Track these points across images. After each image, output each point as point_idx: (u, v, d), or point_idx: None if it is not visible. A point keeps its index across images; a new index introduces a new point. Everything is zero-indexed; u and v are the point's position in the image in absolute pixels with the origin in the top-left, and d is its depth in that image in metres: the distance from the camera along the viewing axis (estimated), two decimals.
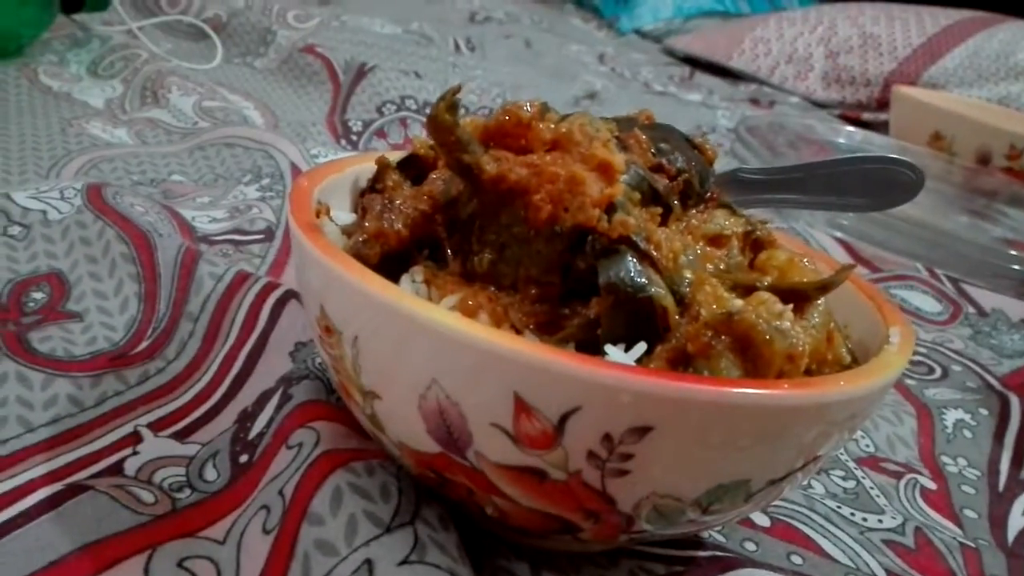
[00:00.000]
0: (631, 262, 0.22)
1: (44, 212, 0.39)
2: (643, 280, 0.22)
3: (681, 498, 0.21)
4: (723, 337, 0.21)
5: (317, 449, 0.26)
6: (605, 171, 0.23)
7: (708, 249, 0.25)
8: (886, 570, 0.30)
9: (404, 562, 0.22)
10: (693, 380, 0.19)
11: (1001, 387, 0.44)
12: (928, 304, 0.55)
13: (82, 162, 0.52)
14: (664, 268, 0.23)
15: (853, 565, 0.30)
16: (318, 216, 0.27)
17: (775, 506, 0.32)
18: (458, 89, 0.23)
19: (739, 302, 0.22)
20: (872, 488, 0.35)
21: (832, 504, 0.33)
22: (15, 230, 0.38)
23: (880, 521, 0.33)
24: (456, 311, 0.23)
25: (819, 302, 0.24)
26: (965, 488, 0.37)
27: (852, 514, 0.33)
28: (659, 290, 0.22)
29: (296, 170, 0.53)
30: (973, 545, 0.33)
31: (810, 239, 0.61)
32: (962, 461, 0.38)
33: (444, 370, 0.20)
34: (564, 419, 0.19)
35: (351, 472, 0.25)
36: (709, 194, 0.27)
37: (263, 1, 0.91)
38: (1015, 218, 0.80)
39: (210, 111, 0.65)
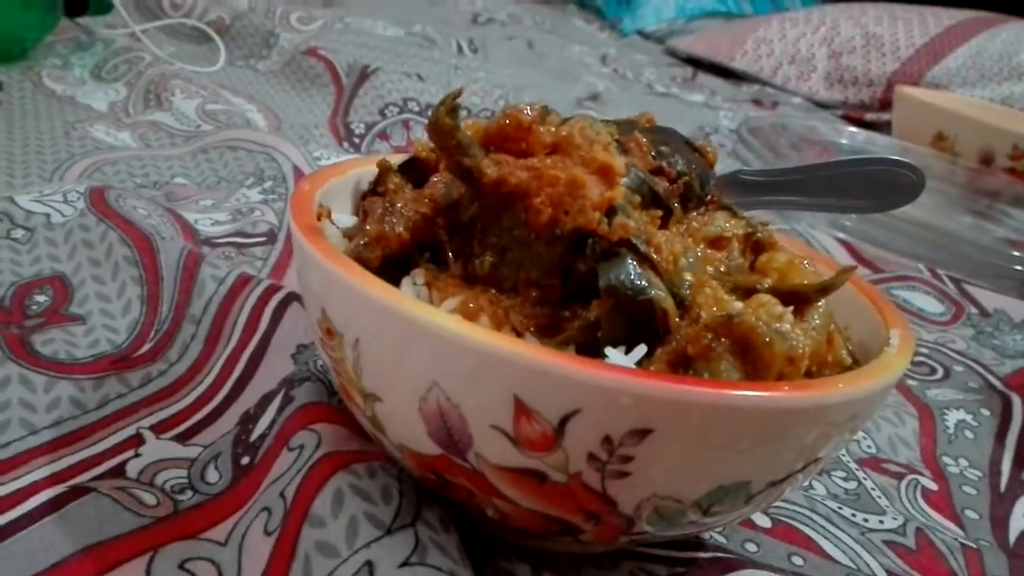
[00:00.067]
0: (631, 265, 0.22)
1: (47, 215, 0.39)
2: (643, 283, 0.22)
3: (682, 500, 0.21)
4: (723, 339, 0.21)
5: (318, 451, 0.26)
6: (605, 174, 0.23)
7: (708, 251, 0.25)
8: (887, 571, 0.30)
9: (405, 564, 0.22)
10: (693, 382, 0.19)
11: (1003, 387, 0.44)
12: (930, 305, 0.55)
13: (85, 165, 0.52)
14: (664, 271, 0.23)
15: (854, 566, 0.30)
16: (319, 219, 0.27)
17: (776, 507, 0.32)
18: (458, 93, 0.23)
19: (739, 304, 0.22)
20: (873, 489, 0.35)
21: (833, 505, 0.33)
22: (18, 233, 0.38)
23: (881, 522, 0.33)
24: (457, 314, 0.23)
25: (819, 304, 0.24)
26: (966, 489, 0.36)
27: (853, 515, 0.33)
28: (659, 293, 0.22)
29: (298, 173, 0.54)
30: (974, 546, 0.33)
31: (812, 240, 0.61)
32: (963, 462, 0.38)
33: (445, 373, 0.20)
34: (564, 421, 0.19)
35: (352, 474, 0.25)
36: (710, 196, 0.27)
37: (266, 4, 0.92)
38: (1018, 218, 0.80)
39: (213, 114, 0.65)
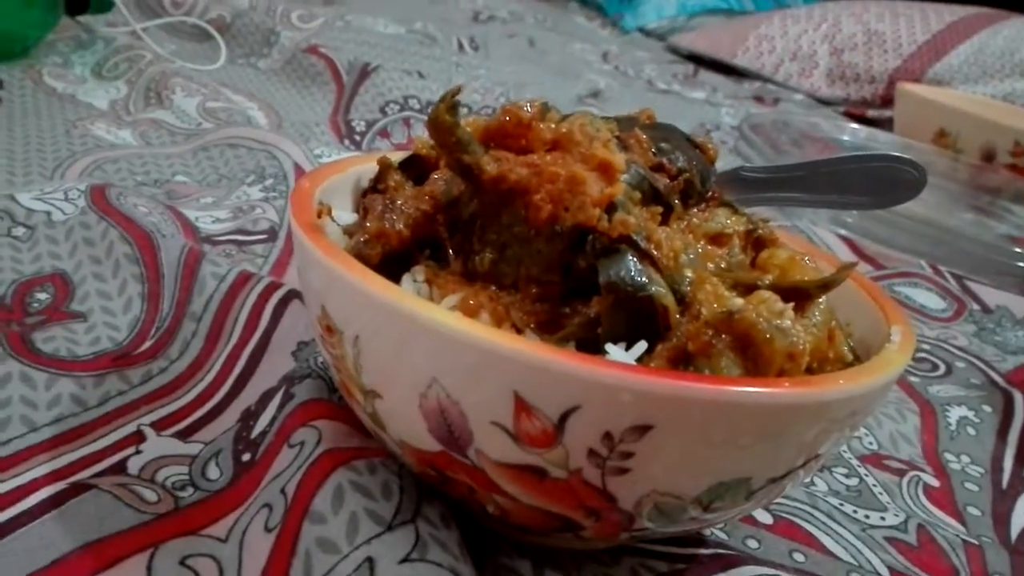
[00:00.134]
0: (631, 261, 0.22)
1: (48, 213, 0.39)
2: (643, 279, 0.22)
3: (682, 496, 0.21)
4: (724, 336, 0.21)
5: (319, 448, 0.26)
6: (605, 171, 0.23)
7: (709, 248, 0.25)
8: (888, 567, 0.30)
9: (405, 560, 0.22)
10: (693, 379, 0.19)
11: (1005, 384, 0.44)
12: (932, 301, 0.55)
13: (86, 163, 0.52)
14: (664, 267, 0.23)
15: (855, 562, 0.30)
16: (320, 216, 0.27)
17: (777, 503, 0.32)
18: (458, 90, 0.23)
19: (740, 301, 0.22)
20: (875, 485, 0.35)
21: (835, 501, 0.33)
22: (19, 231, 0.38)
23: (883, 518, 0.33)
24: (457, 311, 0.23)
25: (820, 300, 0.24)
26: (968, 485, 0.36)
27: (855, 511, 0.33)
28: (659, 289, 0.22)
29: (299, 170, 0.54)
30: (976, 542, 0.33)
31: (814, 237, 0.61)
32: (965, 458, 0.38)
33: (445, 369, 0.20)
34: (564, 418, 0.19)
35: (353, 470, 0.25)
36: (710, 193, 0.27)
37: (267, 2, 0.92)
38: (1020, 215, 0.79)
39: (214, 112, 0.65)
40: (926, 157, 0.87)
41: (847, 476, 0.35)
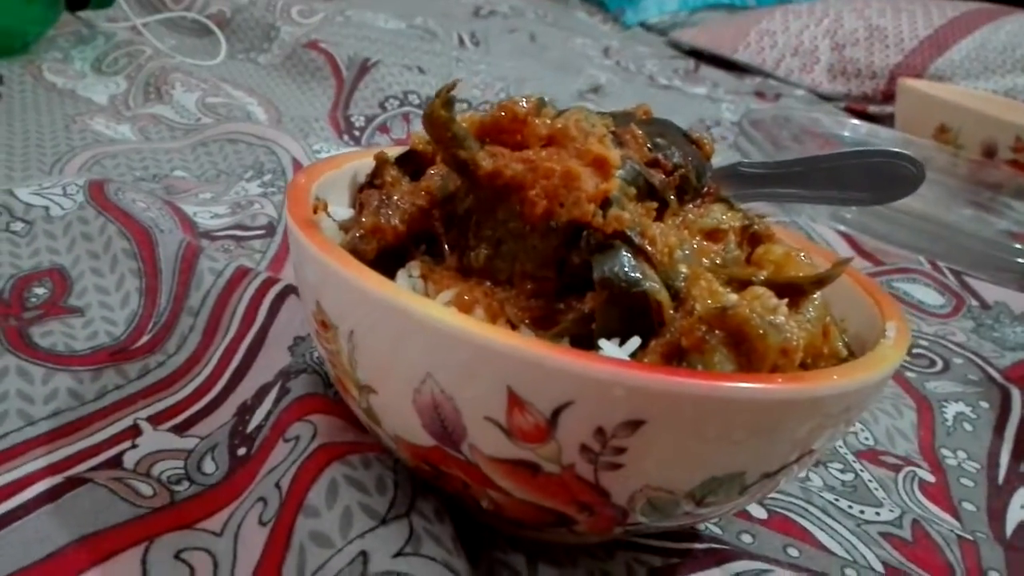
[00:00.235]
0: (625, 257, 0.22)
1: (47, 208, 0.39)
2: (637, 275, 0.22)
3: (675, 491, 0.21)
4: (717, 332, 0.21)
5: (314, 442, 0.26)
6: (600, 166, 0.23)
7: (704, 243, 0.25)
8: (883, 562, 0.30)
9: (399, 554, 0.22)
10: (686, 374, 0.19)
11: (1003, 380, 0.44)
12: (931, 297, 0.55)
13: (85, 158, 0.52)
14: (659, 263, 0.23)
15: (850, 558, 0.30)
16: (316, 212, 0.27)
17: (772, 498, 0.32)
18: (453, 86, 0.23)
19: (734, 297, 0.22)
20: (870, 481, 0.35)
21: (830, 497, 0.33)
22: (17, 226, 0.38)
23: (878, 514, 0.33)
24: (452, 306, 0.23)
25: (815, 296, 0.24)
26: (964, 481, 0.36)
27: (850, 507, 0.33)
28: (653, 285, 0.22)
29: (298, 166, 0.54)
30: (971, 538, 0.33)
31: (812, 232, 0.61)
32: (962, 454, 0.38)
33: (438, 365, 0.20)
34: (557, 413, 0.19)
35: (347, 465, 0.25)
36: (706, 189, 0.27)
37: None
38: (1020, 211, 0.79)
39: (213, 107, 0.65)
40: (927, 153, 0.87)
41: (842, 471, 0.35)
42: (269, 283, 0.36)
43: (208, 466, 0.28)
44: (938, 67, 1.20)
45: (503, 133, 0.24)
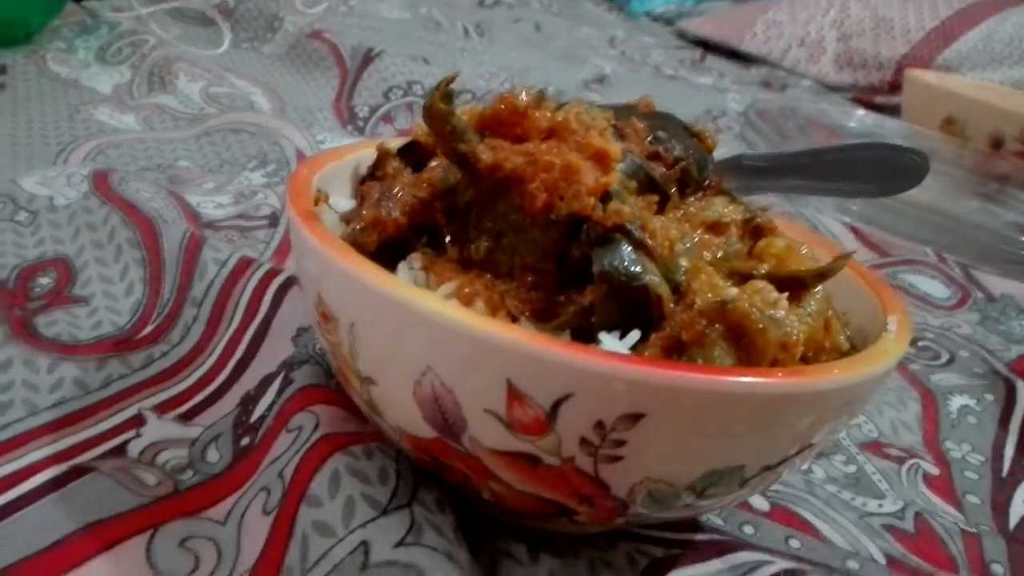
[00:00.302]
0: (625, 251, 0.22)
1: (51, 198, 0.39)
2: (637, 268, 0.22)
3: (675, 483, 0.21)
4: (717, 326, 0.21)
5: (316, 432, 0.26)
6: (601, 160, 0.23)
7: (706, 237, 0.25)
8: (885, 555, 0.30)
9: (400, 544, 0.23)
10: (685, 368, 0.19)
11: (1008, 373, 0.44)
12: (937, 289, 0.55)
13: (89, 148, 0.52)
14: (659, 256, 0.23)
15: (852, 549, 0.30)
16: (317, 204, 0.27)
17: (774, 490, 0.32)
18: (452, 79, 0.23)
19: (734, 290, 0.22)
20: (874, 473, 0.35)
21: (832, 488, 0.33)
22: (22, 216, 0.38)
23: (880, 506, 0.33)
24: (453, 299, 0.23)
25: (816, 290, 0.24)
26: (968, 474, 0.36)
27: (852, 499, 0.33)
28: (653, 278, 0.22)
29: (301, 156, 0.54)
30: (974, 531, 0.33)
31: (818, 224, 0.60)
32: (966, 447, 0.38)
33: (438, 358, 0.20)
34: (556, 406, 0.19)
35: (349, 455, 0.25)
36: (708, 182, 0.27)
37: None
38: None
39: (217, 97, 0.65)
40: (933, 144, 0.86)
41: (845, 463, 0.35)
42: (272, 273, 0.36)
43: (212, 455, 0.29)
44: (945, 58, 1.19)
45: (503, 126, 0.24)
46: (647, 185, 0.24)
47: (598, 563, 0.27)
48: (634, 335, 0.22)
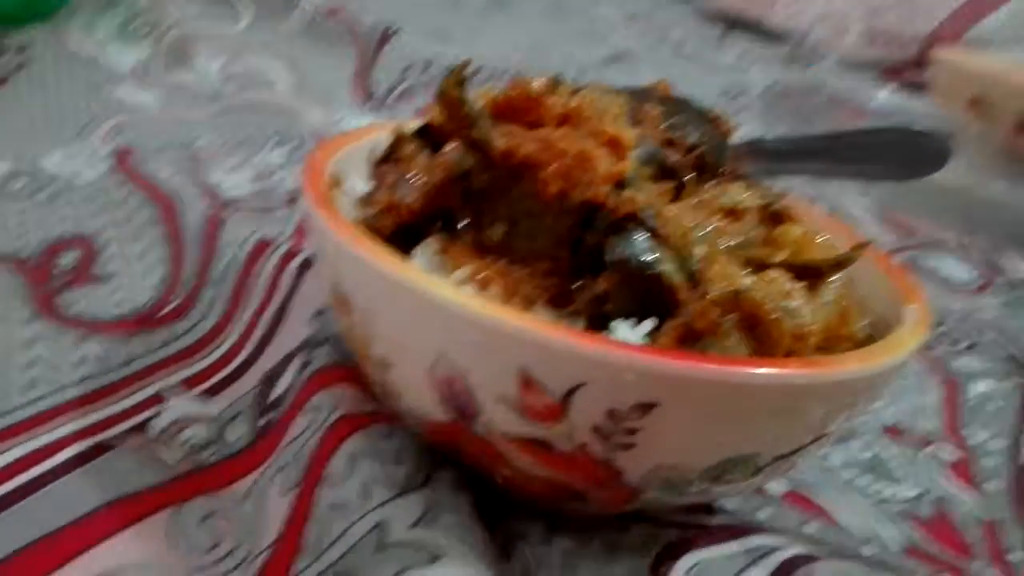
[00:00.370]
0: (639, 239, 0.22)
1: (72, 176, 0.40)
2: (650, 257, 0.22)
3: (688, 471, 0.21)
4: (731, 315, 0.21)
5: (335, 413, 0.26)
6: (615, 147, 0.22)
7: (722, 224, 0.25)
8: (902, 540, 0.30)
9: (416, 524, 0.23)
10: (697, 358, 0.19)
11: None
12: (960, 272, 0.54)
13: (109, 126, 0.52)
14: (674, 244, 0.23)
15: (868, 535, 0.30)
16: (333, 187, 0.27)
17: (790, 474, 0.32)
18: (467, 64, 0.23)
19: (748, 280, 0.22)
20: (892, 459, 0.35)
21: (849, 474, 0.33)
22: (44, 195, 0.39)
23: (898, 492, 0.33)
24: (468, 284, 0.23)
25: (834, 279, 0.24)
26: (988, 460, 0.36)
27: (870, 484, 0.33)
28: (667, 267, 0.22)
29: (319, 135, 0.54)
30: (992, 518, 0.32)
31: (840, 206, 0.60)
32: (986, 433, 0.38)
33: (452, 344, 0.20)
34: (569, 394, 0.19)
35: (367, 436, 0.25)
36: (724, 168, 0.26)
37: None
38: None
39: (235, 75, 0.65)
40: (959, 124, 0.85)
41: (863, 449, 0.35)
42: (291, 253, 0.37)
43: (232, 433, 0.29)
44: (974, 33, 1.16)
45: (517, 112, 0.24)
46: (662, 172, 0.24)
47: (612, 545, 0.27)
48: (649, 323, 0.22)
